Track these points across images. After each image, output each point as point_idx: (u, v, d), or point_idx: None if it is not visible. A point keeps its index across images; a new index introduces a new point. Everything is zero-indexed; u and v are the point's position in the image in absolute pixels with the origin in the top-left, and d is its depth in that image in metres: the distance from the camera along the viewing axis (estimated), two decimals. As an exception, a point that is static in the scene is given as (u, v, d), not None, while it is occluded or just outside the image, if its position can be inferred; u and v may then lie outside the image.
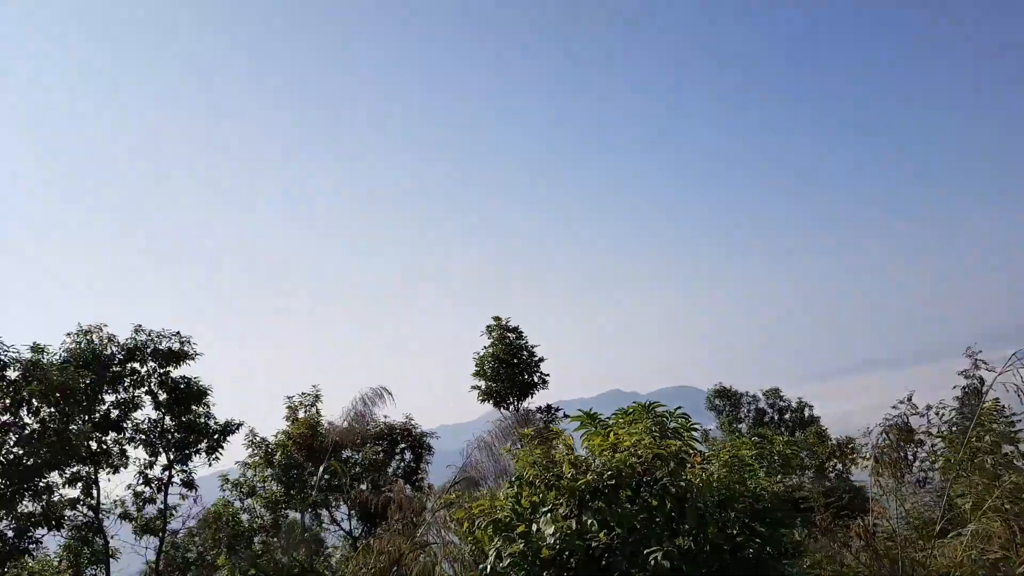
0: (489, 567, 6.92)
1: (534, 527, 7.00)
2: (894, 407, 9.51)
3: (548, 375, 21.14)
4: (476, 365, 21.14)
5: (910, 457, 9.16)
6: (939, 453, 8.92)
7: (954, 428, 8.61)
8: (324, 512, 25.23)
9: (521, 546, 6.69)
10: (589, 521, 6.78)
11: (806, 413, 34.68)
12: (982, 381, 9.01)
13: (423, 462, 25.29)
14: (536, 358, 21.07)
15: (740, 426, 34.72)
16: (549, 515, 7.01)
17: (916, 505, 8.78)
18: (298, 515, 24.69)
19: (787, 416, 35.04)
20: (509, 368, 20.65)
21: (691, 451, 7.52)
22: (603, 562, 6.66)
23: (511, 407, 20.89)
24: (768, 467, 8.52)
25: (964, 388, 9.17)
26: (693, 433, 9.06)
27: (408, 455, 25.33)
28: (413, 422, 25.24)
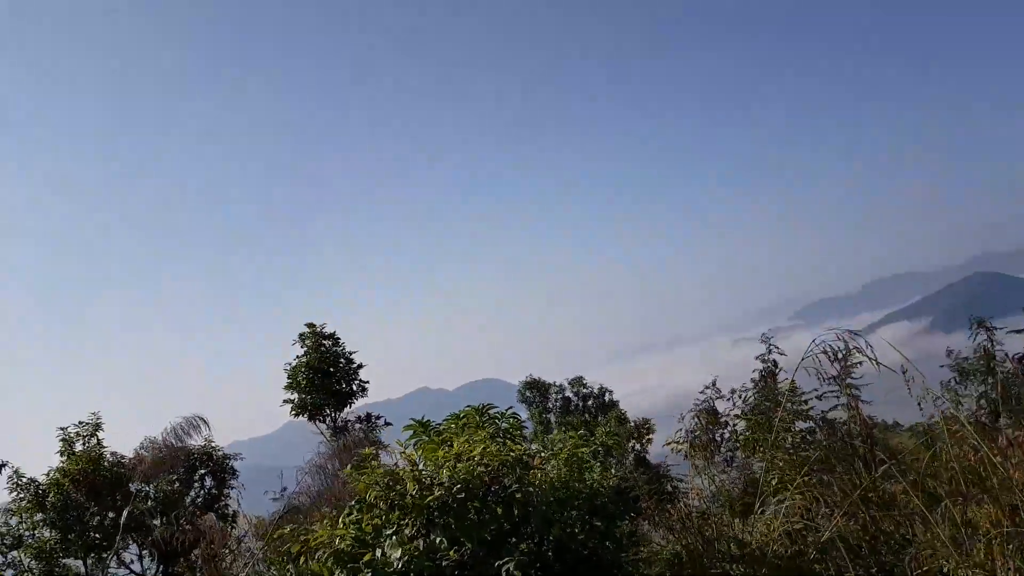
0: (331, 603, 6.45)
1: (378, 552, 6.63)
2: (701, 392, 10.42)
3: (368, 383, 20.44)
4: (288, 376, 19.83)
5: (717, 439, 10.06)
6: (740, 433, 9.92)
7: (753, 409, 9.59)
8: (109, 555, 22.36)
9: (368, 575, 6.30)
10: (438, 539, 6.56)
11: (607, 398, 37.06)
12: (776, 364, 10.11)
13: (226, 487, 23.30)
14: (355, 365, 20.26)
15: (548, 416, 36.28)
16: (394, 537, 6.67)
17: (724, 483, 9.62)
18: (78, 562, 21.63)
19: (590, 402, 37.20)
20: (325, 377, 19.65)
21: (531, 453, 7.57)
22: (454, 580, 6.48)
23: (328, 419, 19.92)
24: (600, 460, 8.86)
25: (761, 371, 10.25)
26: (523, 432, 9.21)
27: (209, 481, 23.19)
28: (214, 444, 23.11)
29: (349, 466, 7.20)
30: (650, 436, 34.33)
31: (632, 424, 34.32)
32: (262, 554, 10.36)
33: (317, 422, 19.99)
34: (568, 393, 37.32)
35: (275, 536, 7.88)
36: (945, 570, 6.40)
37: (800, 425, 8.33)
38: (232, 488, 22.95)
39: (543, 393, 37.07)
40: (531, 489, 6.86)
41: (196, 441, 17.62)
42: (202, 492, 22.95)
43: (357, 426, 19.71)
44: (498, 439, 7.34)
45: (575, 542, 7.09)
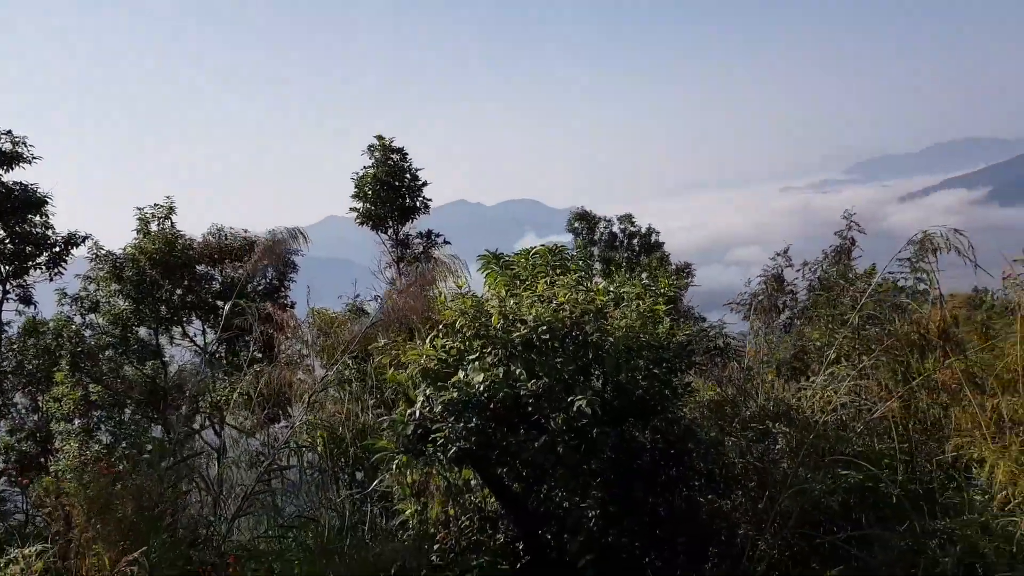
0: (418, 412, 7.24)
1: (461, 374, 7.30)
2: (772, 259, 10.61)
3: (431, 200, 20.90)
4: (356, 186, 20.36)
5: (779, 305, 10.39)
6: (802, 303, 10.21)
7: (821, 283, 9.79)
8: (176, 328, 24.37)
9: (454, 394, 7.00)
10: (517, 370, 7.17)
11: (653, 238, 37.28)
12: (853, 242, 10.14)
13: (287, 279, 24.74)
14: (420, 182, 20.62)
15: (593, 249, 36.83)
16: (477, 363, 7.31)
17: (777, 347, 10.08)
18: (149, 332, 23.71)
19: (635, 240, 37.53)
20: (391, 191, 20.12)
21: (608, 301, 7.97)
22: (529, 408, 7.17)
23: (390, 231, 20.66)
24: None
25: (837, 247, 10.29)
26: (585, 274, 9.62)
27: (271, 272, 24.59)
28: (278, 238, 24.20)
29: (442, 293, 7.71)
30: (689, 280, 35.02)
31: (673, 267, 34.86)
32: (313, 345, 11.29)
33: (379, 232, 20.74)
34: (616, 228, 37.54)
35: (370, 347, 8.63)
36: (979, 458, 6.90)
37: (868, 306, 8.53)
38: (292, 281, 24.36)
39: (591, 226, 37.35)
40: (609, 338, 7.33)
41: (293, 248, 18.44)
42: (263, 282, 24.45)
43: (416, 240, 20.45)
44: (581, 287, 7.71)
45: (638, 387, 7.67)
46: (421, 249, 19.12)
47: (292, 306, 23.21)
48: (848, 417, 7.49)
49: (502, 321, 7.39)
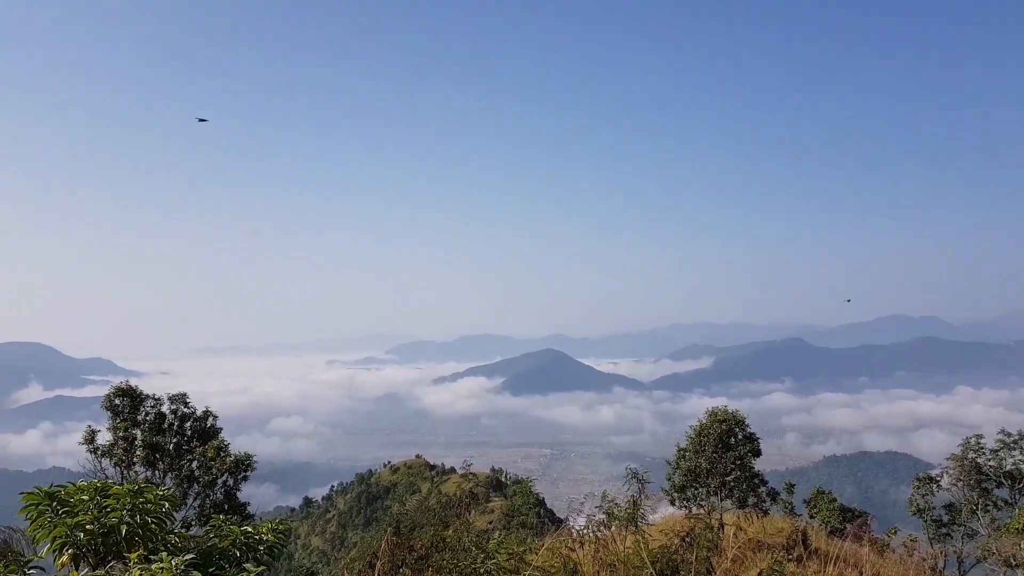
0: None
1: None
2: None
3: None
4: None
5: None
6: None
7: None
8: None
9: None
10: None
11: (209, 423, 33.96)
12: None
13: None
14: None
15: (135, 432, 31.88)
16: None
17: None
18: None
19: (188, 424, 33.73)
20: None
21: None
22: None
23: None
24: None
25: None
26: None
27: None
28: None
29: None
30: (247, 473, 32.51)
31: (232, 458, 32.09)
32: None
33: None
34: (165, 408, 33.23)
35: None
36: None
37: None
38: None
39: (135, 404, 32.45)
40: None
41: None
42: None
43: None
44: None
45: None
46: None
47: None
48: None
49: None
